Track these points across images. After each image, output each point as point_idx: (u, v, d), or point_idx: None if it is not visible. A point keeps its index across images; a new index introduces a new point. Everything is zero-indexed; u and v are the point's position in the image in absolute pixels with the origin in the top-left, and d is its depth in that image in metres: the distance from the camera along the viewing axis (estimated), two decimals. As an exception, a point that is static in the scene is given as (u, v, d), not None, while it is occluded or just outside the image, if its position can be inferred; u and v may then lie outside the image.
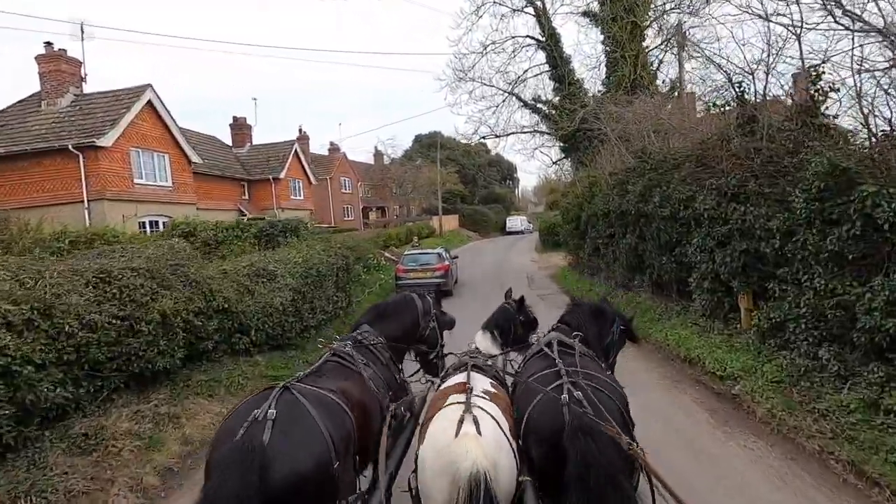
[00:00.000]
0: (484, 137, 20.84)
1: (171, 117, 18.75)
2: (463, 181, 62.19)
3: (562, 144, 21.10)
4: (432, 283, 13.41)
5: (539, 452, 2.52)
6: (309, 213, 32.23)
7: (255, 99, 62.14)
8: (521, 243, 36.91)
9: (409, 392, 3.68)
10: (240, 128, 30.15)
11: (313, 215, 32.58)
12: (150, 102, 17.68)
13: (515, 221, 54.36)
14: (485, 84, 21.07)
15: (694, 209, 8.08)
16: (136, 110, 16.82)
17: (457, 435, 2.33)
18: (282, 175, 28.15)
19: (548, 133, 20.53)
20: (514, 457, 2.48)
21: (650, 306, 10.20)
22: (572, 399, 2.44)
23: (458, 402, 2.56)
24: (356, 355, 3.16)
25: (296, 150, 30.18)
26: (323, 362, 3.02)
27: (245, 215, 27.14)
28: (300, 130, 44.84)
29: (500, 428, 2.49)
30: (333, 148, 47.83)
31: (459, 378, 2.99)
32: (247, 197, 28.40)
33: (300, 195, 31.11)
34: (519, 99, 21.14)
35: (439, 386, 3.23)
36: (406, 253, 16.82)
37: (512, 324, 3.93)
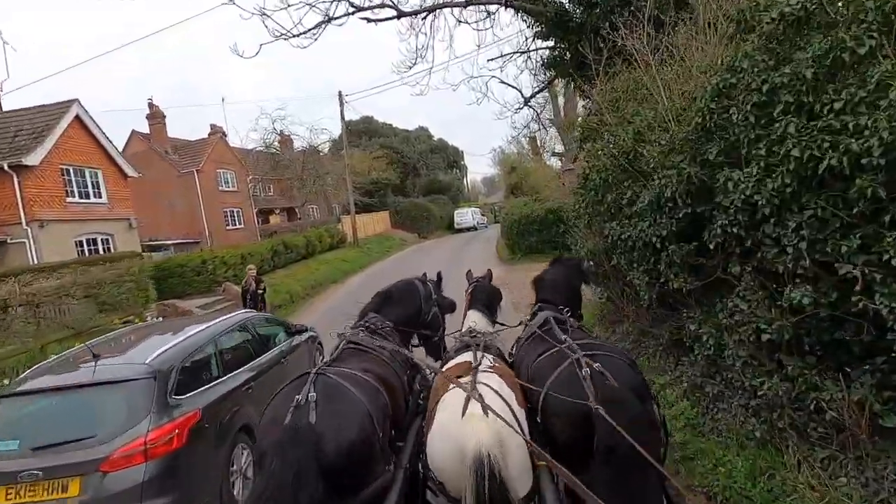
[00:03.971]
0: (367, 16, 9.11)
1: None
2: (403, 172, 50.92)
3: (547, 51, 9.74)
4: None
5: (565, 431, 2.43)
6: (127, 223, 19.54)
7: None
8: (474, 247, 25.54)
9: (421, 371, 3.55)
10: (-34, 82, 16.92)
11: (134, 227, 19.85)
12: None
13: (465, 215, 43.04)
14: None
15: None
16: None
17: (463, 415, 2.27)
18: (32, 161, 15.34)
19: (521, 6, 9.07)
20: (524, 430, 2.40)
21: None
22: (593, 373, 2.35)
23: (464, 382, 2.51)
24: (371, 340, 3.22)
25: (78, 118, 17.38)
26: (341, 350, 3.09)
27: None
28: (150, 105, 31.82)
29: (507, 403, 2.41)
30: (215, 131, 34.81)
31: (462, 358, 2.94)
32: (-35, 203, 15.45)
33: (98, 196, 18.31)
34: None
35: (442, 368, 3.11)
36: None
37: (491, 298, 3.92)
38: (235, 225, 33.30)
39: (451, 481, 2.29)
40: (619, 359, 2.56)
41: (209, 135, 34.31)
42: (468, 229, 41.29)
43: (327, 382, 2.47)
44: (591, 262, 6.19)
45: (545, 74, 10.84)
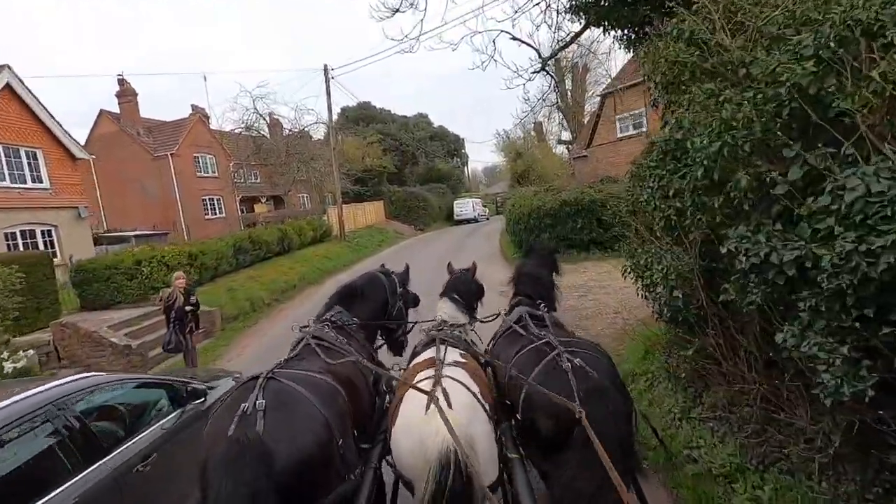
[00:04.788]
0: None
1: None
2: (401, 160, 48.43)
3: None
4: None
5: (548, 424, 2.41)
6: (75, 213, 16.99)
7: None
8: (475, 242, 23.06)
9: (387, 372, 3.31)
10: None
11: (84, 217, 17.30)
12: None
13: (466, 206, 40.43)
14: None
15: None
16: None
17: (427, 411, 2.24)
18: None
19: None
20: (490, 423, 2.40)
21: None
22: (575, 367, 2.39)
23: (428, 378, 2.48)
24: (337, 336, 3.04)
25: (9, 88, 14.76)
26: (303, 346, 2.90)
27: None
28: (120, 81, 29.01)
29: (474, 396, 2.41)
30: (195, 112, 32.06)
31: (428, 354, 2.90)
32: None
33: (37, 181, 15.73)
34: None
35: (409, 363, 3.12)
36: None
37: (469, 290, 3.83)
38: (216, 214, 30.72)
39: (416, 478, 2.22)
40: (597, 355, 2.57)
41: (190, 116, 31.60)
42: (468, 221, 38.78)
43: (278, 388, 2.23)
44: (680, 294, 3.64)
45: (572, 21, 8.20)
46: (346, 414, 2.43)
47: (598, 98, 21.86)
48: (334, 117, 51.06)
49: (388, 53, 72.50)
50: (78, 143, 17.42)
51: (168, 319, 7.46)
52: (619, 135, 21.23)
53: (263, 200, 36.39)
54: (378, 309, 3.73)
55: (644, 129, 20.19)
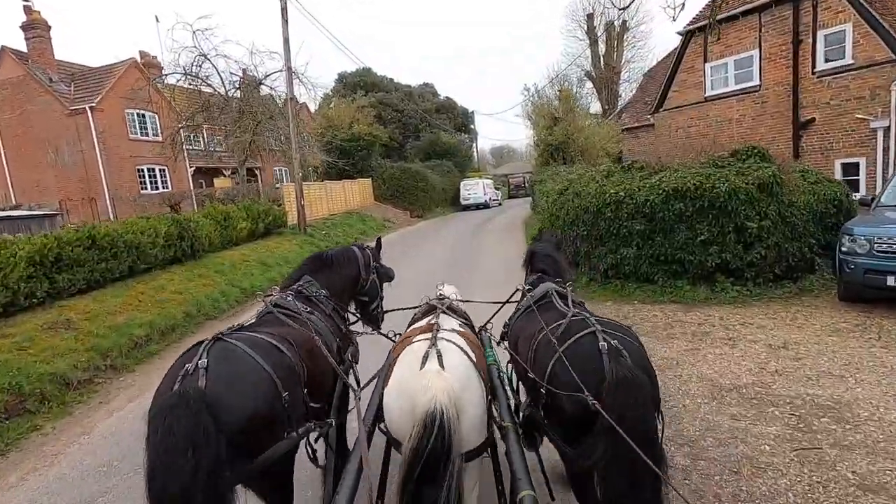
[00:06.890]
0: None
1: None
2: (403, 134, 41.96)
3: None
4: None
5: (572, 406, 2.30)
6: None
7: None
8: (488, 244, 16.65)
9: (354, 342, 3.53)
10: None
11: None
12: None
13: (476, 188, 33.78)
14: None
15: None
16: None
17: (420, 369, 2.26)
18: None
19: None
20: (483, 390, 2.41)
21: None
22: (611, 348, 2.25)
23: (424, 339, 2.50)
24: (299, 305, 3.02)
25: None
26: (264, 314, 2.89)
27: None
28: (27, 9, 22.01)
29: (469, 361, 2.42)
30: (146, 62, 25.28)
31: (428, 320, 2.94)
32: None
33: None
34: None
35: (407, 328, 3.19)
36: None
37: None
38: (157, 188, 24.20)
39: (403, 437, 2.14)
40: (631, 338, 2.42)
41: (144, 65, 24.76)
42: (478, 207, 32.24)
43: (222, 347, 2.26)
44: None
45: None
46: (295, 371, 2.38)
47: (679, 37, 14.99)
48: (331, 84, 43.84)
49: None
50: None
51: None
52: (710, 92, 14.49)
53: (227, 173, 29.77)
54: (350, 282, 3.69)
55: (755, 83, 13.48)
